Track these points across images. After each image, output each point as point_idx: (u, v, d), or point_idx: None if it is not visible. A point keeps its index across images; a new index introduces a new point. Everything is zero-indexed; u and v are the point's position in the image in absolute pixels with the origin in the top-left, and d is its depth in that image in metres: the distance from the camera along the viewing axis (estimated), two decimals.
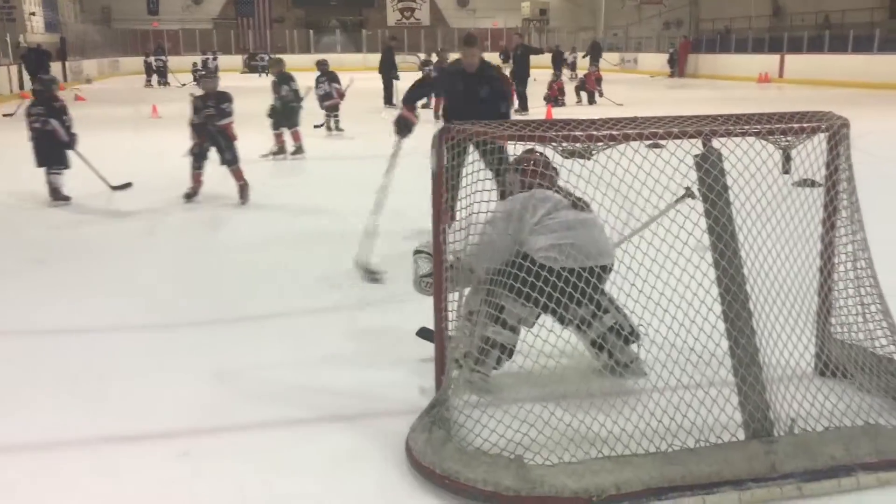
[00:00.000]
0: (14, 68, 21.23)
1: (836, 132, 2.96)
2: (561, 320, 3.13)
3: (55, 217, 6.97)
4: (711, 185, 2.69)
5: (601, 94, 18.55)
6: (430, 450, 2.63)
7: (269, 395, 3.32)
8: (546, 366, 3.00)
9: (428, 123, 8.13)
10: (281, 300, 4.60)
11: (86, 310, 4.46)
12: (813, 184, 3.00)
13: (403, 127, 5.42)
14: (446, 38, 37.22)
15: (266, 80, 12.16)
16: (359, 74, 17.51)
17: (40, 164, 7.40)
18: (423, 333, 3.51)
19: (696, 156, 2.72)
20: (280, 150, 10.21)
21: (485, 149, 3.47)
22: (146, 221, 6.77)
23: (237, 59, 35.39)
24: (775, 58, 25.60)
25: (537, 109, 15.21)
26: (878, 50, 22.04)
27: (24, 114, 7.57)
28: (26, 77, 19.92)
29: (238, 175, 7.33)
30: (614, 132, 2.64)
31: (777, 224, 2.91)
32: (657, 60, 31.62)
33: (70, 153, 7.43)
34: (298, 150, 10.33)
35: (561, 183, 3.22)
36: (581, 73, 22.37)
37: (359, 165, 9.85)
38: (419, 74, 18.41)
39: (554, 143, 2.70)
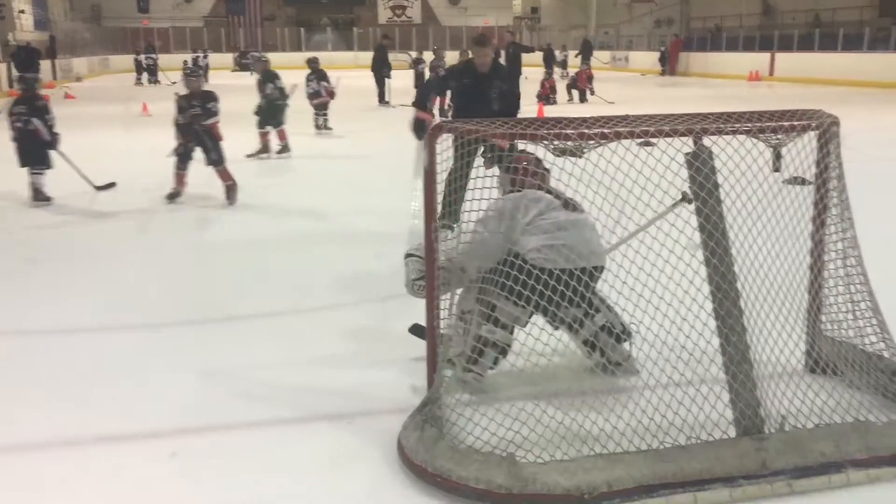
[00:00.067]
0: (3, 66, 21.09)
1: (826, 130, 2.97)
2: (553, 320, 3.14)
3: (38, 217, 6.88)
4: (702, 183, 2.70)
5: (592, 93, 18.58)
6: (422, 448, 2.62)
7: (258, 395, 3.31)
8: (538, 364, 3.01)
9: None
10: (270, 300, 4.59)
11: (72, 310, 4.43)
12: (803, 182, 3.01)
13: (420, 129, 5.43)
14: (437, 36, 37.21)
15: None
16: (349, 73, 17.51)
17: (23, 164, 7.28)
18: (415, 330, 3.51)
19: (687, 154, 2.73)
20: (264, 148, 10.08)
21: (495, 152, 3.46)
22: (134, 221, 6.73)
23: (228, 58, 35.24)
24: (766, 56, 25.71)
25: (529, 108, 15.21)
26: (867, 48, 22.18)
27: (6, 113, 7.45)
28: (16, 75, 19.78)
29: (225, 175, 7.22)
30: (606, 130, 2.64)
31: (768, 222, 2.91)
32: (648, 59, 31.67)
33: (53, 153, 7.32)
34: (284, 148, 10.21)
35: (553, 182, 3.23)
36: (572, 71, 22.43)
37: (347, 164, 9.85)
38: (411, 73, 18.47)
39: (546, 142, 2.70)
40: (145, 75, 27.35)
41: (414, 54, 21.70)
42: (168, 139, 7.35)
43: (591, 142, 2.63)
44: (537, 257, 2.99)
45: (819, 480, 2.52)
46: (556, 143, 2.69)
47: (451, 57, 18.22)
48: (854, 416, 2.79)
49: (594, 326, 3.18)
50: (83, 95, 20.80)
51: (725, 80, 25.33)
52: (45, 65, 22.51)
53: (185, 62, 26.77)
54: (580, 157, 2.71)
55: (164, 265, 5.45)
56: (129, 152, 10.63)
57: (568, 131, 2.66)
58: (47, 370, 3.60)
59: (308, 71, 12.41)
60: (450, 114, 5.66)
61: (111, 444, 2.94)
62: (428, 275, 2.99)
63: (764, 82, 24.53)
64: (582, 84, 18.69)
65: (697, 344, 2.82)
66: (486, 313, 3.10)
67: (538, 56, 22.82)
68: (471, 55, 5.90)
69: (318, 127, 12.48)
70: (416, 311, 3.28)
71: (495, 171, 3.37)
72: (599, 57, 30.26)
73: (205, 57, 28.27)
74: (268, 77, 10.19)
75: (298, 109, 11.38)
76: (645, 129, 2.64)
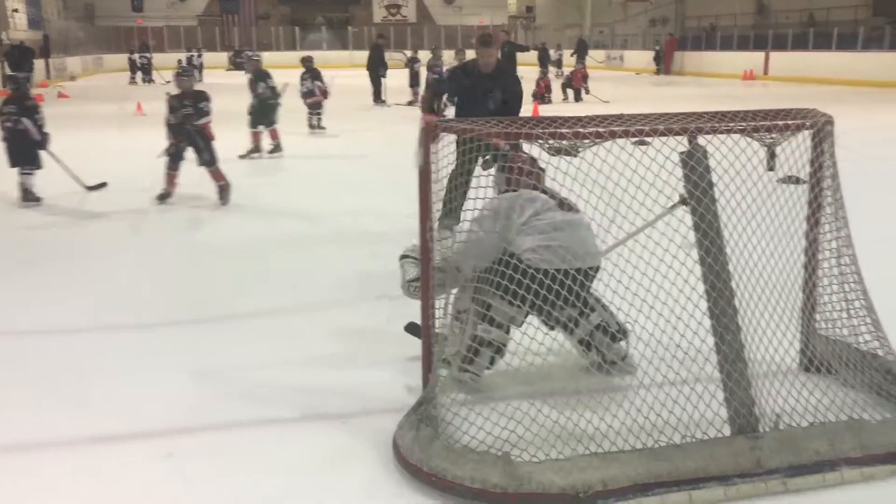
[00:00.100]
0: None
1: (821, 129, 2.98)
2: (548, 320, 3.14)
3: (28, 218, 6.84)
4: (697, 182, 2.70)
5: (587, 92, 18.59)
6: (417, 447, 2.62)
7: (254, 395, 3.31)
8: (533, 363, 3.01)
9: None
10: (265, 300, 4.58)
11: (67, 310, 4.42)
12: (798, 181, 3.02)
13: None
14: (432, 36, 37.20)
15: None
16: (343, 72, 17.47)
17: (13, 164, 7.23)
18: (411, 328, 3.50)
19: (681, 153, 2.73)
20: (255, 148, 10.03)
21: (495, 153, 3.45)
22: (126, 222, 6.70)
23: (222, 57, 35.20)
24: (760, 55, 25.76)
25: (524, 107, 15.18)
26: (861, 47, 22.24)
27: None
28: (8, 74, 19.72)
29: (218, 176, 7.18)
30: (601, 129, 2.64)
31: (762, 221, 2.92)
32: (643, 58, 31.71)
33: (43, 153, 7.28)
34: (276, 148, 10.15)
35: (548, 182, 3.23)
36: (567, 70, 22.42)
37: (341, 164, 9.81)
38: (406, 72, 18.45)
39: (541, 141, 2.70)
40: (139, 74, 27.30)
41: (409, 53, 21.69)
42: (162, 139, 7.32)
43: (586, 141, 2.64)
44: (533, 258, 2.99)
45: (813, 479, 2.52)
46: (551, 142, 2.69)
47: (448, 56, 18.23)
48: (848, 415, 2.80)
49: (589, 325, 3.18)
50: (77, 95, 20.72)
51: (720, 80, 25.37)
52: (38, 64, 22.43)
53: (180, 61, 26.82)
54: (575, 156, 2.71)
55: (157, 265, 5.42)
56: (123, 152, 10.58)
57: (563, 130, 2.67)
58: (41, 371, 3.59)
59: (302, 70, 12.41)
60: (445, 113, 5.63)
61: (106, 444, 2.93)
62: (423, 275, 2.99)
63: (758, 81, 24.58)
64: (577, 83, 18.70)
65: (692, 343, 2.82)
66: (481, 313, 3.10)
67: (533, 55, 22.85)
68: (468, 55, 5.88)
69: (311, 126, 12.44)
70: (412, 310, 3.28)
71: (494, 171, 3.37)
72: (594, 56, 30.23)
73: (199, 56, 28.24)
74: (259, 76, 10.15)
75: (292, 109, 11.36)
76: (640, 128, 2.65)
